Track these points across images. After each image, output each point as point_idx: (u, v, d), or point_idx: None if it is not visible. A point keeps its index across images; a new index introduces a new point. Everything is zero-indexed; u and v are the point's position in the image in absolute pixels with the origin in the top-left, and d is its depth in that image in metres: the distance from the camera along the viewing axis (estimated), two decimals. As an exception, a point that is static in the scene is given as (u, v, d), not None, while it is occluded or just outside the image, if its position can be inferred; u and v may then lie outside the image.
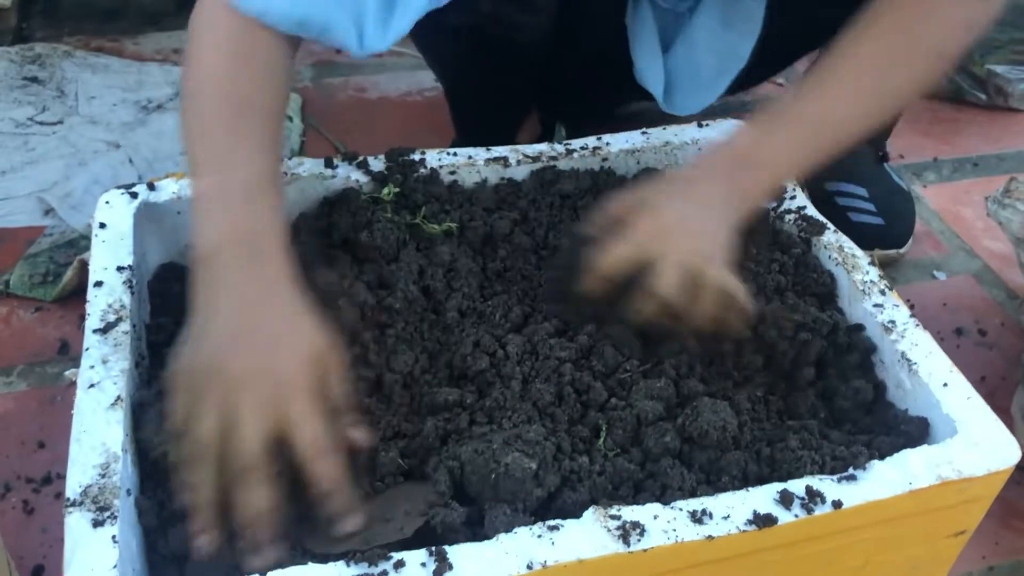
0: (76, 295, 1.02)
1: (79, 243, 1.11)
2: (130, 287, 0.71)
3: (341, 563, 0.54)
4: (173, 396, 0.59)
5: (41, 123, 1.32)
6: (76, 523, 0.54)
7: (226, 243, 0.63)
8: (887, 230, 1.16)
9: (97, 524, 0.54)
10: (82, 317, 0.69)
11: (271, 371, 0.59)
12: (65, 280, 1.05)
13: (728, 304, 0.69)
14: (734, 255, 0.70)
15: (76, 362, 0.65)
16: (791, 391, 0.71)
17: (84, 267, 0.96)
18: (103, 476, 0.56)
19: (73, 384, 0.63)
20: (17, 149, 1.26)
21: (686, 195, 0.71)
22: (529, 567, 0.55)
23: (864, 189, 1.17)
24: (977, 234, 1.27)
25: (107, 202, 0.77)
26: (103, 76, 1.43)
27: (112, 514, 0.54)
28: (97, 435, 0.59)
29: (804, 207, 0.83)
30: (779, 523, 0.58)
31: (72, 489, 0.56)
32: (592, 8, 1.03)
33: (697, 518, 0.58)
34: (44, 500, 0.86)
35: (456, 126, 1.21)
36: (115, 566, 0.52)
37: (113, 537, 0.53)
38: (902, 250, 1.17)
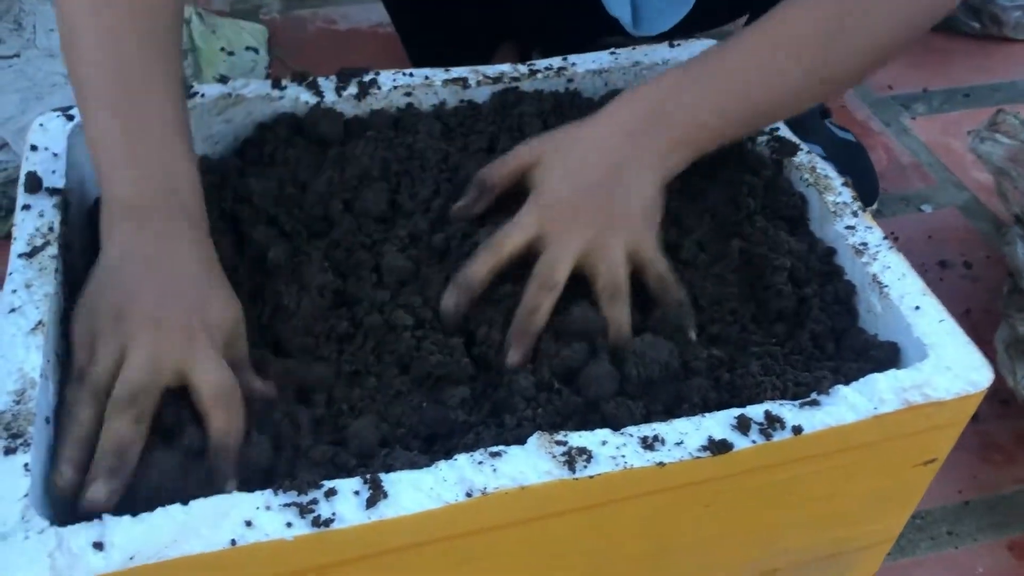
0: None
1: (33, 178, 1.07)
2: (62, 211, 0.67)
3: (269, 492, 0.51)
4: (73, 338, 0.57)
5: (-3, 56, 1.27)
6: (-13, 450, 0.51)
7: (142, 193, 0.60)
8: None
9: (9, 451, 0.51)
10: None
11: (176, 319, 0.56)
12: (16, 215, 1.01)
13: (663, 291, 0.65)
14: (655, 231, 0.65)
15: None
16: (759, 316, 0.68)
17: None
18: (18, 403, 0.53)
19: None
20: (-29, 83, 1.22)
21: (585, 160, 0.65)
22: (469, 495, 0.52)
23: (820, 148, 1.11)
24: (966, 166, 1.23)
25: (40, 124, 0.74)
26: (63, 8, 1.37)
27: (25, 441, 0.51)
28: (15, 360, 0.55)
29: (777, 128, 0.79)
30: (735, 449, 0.55)
31: (-16, 415, 0.53)
32: None
33: (648, 444, 0.55)
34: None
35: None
36: (26, 495, 0.49)
37: (25, 465, 0.50)
38: (873, 207, 1.12)
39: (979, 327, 1.00)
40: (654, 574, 0.64)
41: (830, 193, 0.73)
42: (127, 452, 0.52)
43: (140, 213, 0.59)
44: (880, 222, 0.71)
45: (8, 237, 1.01)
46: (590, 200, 0.64)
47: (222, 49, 1.31)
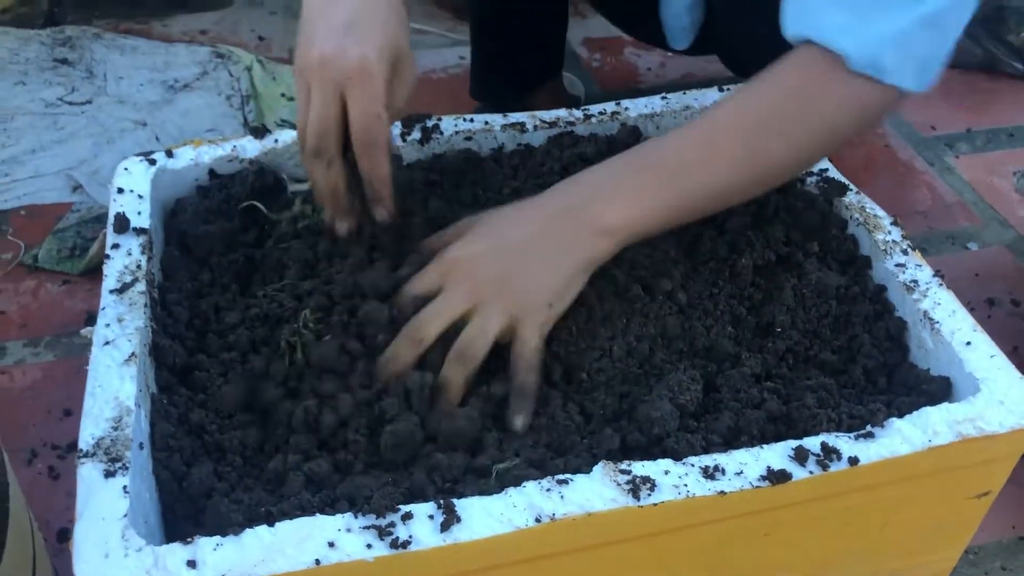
0: (102, 268, 1.03)
1: (106, 219, 1.12)
2: (147, 250, 0.71)
3: (349, 515, 0.54)
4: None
5: (70, 103, 1.34)
6: (88, 474, 0.55)
7: None
8: None
9: (109, 475, 0.54)
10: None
11: (338, 56, 0.65)
12: (91, 253, 1.07)
13: (515, 371, 0.64)
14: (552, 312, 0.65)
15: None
16: (812, 351, 0.70)
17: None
18: (116, 429, 0.57)
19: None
20: (47, 128, 1.29)
21: (503, 233, 0.67)
22: (538, 520, 0.54)
23: None
24: (1012, 204, 1.24)
25: (126, 168, 0.78)
26: (131, 57, 1.44)
27: (124, 465, 0.55)
28: (111, 389, 0.59)
29: (826, 169, 0.81)
30: (793, 479, 0.57)
31: (85, 441, 0.56)
32: None
33: (709, 474, 0.57)
34: (69, 466, 0.87)
35: (474, 71, 1.26)
36: (125, 515, 0.52)
37: (124, 487, 0.54)
38: None
39: (1028, 364, 1.00)
40: (712, 603, 0.66)
41: (879, 232, 0.75)
42: (335, 194, 0.69)
43: None
44: (926, 260, 0.73)
45: (85, 273, 1.07)
46: (492, 266, 0.66)
47: (282, 95, 1.37)
